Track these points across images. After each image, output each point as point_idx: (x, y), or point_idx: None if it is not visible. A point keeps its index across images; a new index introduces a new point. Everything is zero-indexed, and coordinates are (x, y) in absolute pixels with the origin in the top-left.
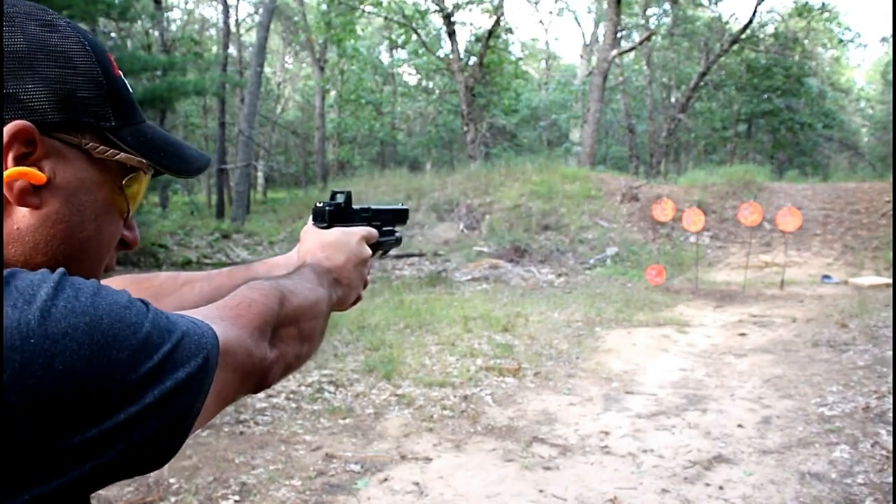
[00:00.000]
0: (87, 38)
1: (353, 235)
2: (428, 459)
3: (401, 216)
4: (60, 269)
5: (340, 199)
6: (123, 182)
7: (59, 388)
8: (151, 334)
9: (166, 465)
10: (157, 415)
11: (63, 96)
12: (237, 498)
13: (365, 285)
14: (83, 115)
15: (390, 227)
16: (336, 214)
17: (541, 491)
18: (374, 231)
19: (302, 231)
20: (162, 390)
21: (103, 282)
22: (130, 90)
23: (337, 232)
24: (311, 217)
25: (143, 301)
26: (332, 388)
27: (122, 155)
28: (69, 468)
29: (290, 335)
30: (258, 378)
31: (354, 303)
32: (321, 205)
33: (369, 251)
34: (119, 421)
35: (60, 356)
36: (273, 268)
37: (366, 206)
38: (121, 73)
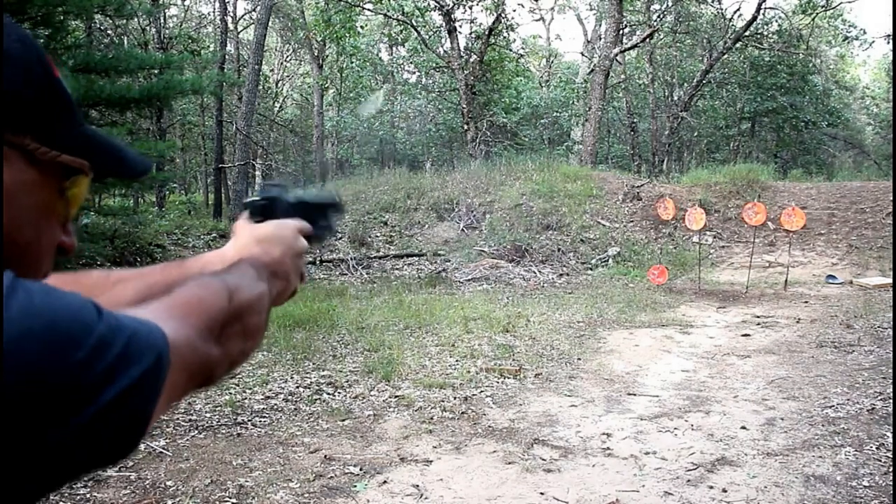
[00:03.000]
0: (26, 36)
1: (288, 228)
2: (428, 462)
3: (335, 207)
4: (9, 272)
5: (274, 192)
6: (65, 184)
7: (17, 393)
8: (105, 334)
9: (163, 468)
10: (114, 414)
11: (1, 95)
12: (234, 501)
13: (302, 278)
14: (24, 115)
15: (325, 219)
16: (269, 208)
17: (542, 493)
18: (307, 224)
19: (235, 225)
20: (118, 389)
21: None
22: (69, 90)
23: (272, 225)
24: (244, 211)
25: (91, 300)
26: (330, 390)
27: (65, 157)
28: (28, 476)
29: (234, 332)
30: (204, 376)
31: (291, 296)
32: (254, 198)
33: (305, 243)
34: (77, 423)
35: (17, 360)
36: (207, 264)
37: (300, 199)
38: (59, 74)
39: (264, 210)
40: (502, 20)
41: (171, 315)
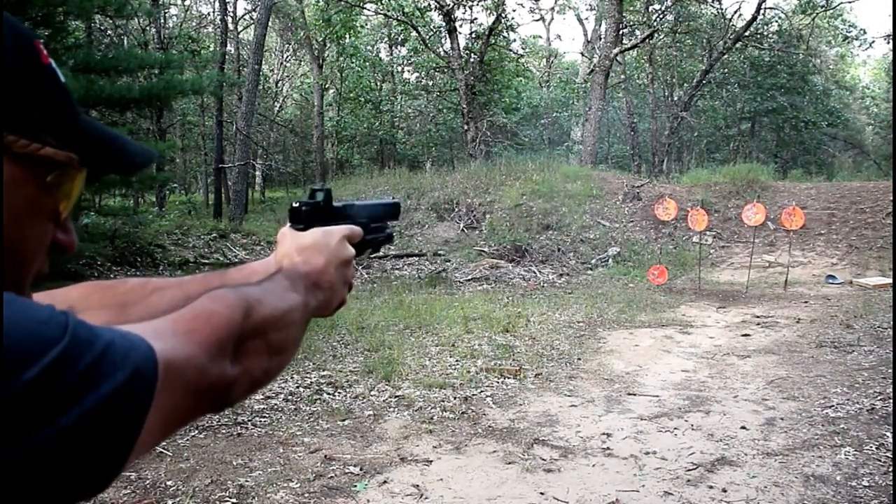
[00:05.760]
0: (7, 21)
1: (333, 236)
2: (428, 461)
3: (390, 211)
4: None
5: (319, 197)
6: (49, 179)
7: None
8: (68, 350)
9: (163, 468)
10: (80, 437)
11: None
12: (235, 501)
13: (350, 288)
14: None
15: (379, 224)
16: (314, 214)
17: (542, 493)
18: (357, 229)
19: (278, 233)
20: (82, 409)
21: (66, 290)
22: (63, 79)
23: (315, 233)
24: (288, 218)
25: (64, 313)
26: (330, 390)
27: (47, 149)
28: None
29: (256, 349)
30: (216, 397)
31: (338, 306)
32: (297, 205)
33: (352, 251)
34: (33, 447)
35: None
36: (250, 274)
37: (350, 203)
38: (51, 61)
39: (308, 216)
40: (502, 20)
41: (174, 331)
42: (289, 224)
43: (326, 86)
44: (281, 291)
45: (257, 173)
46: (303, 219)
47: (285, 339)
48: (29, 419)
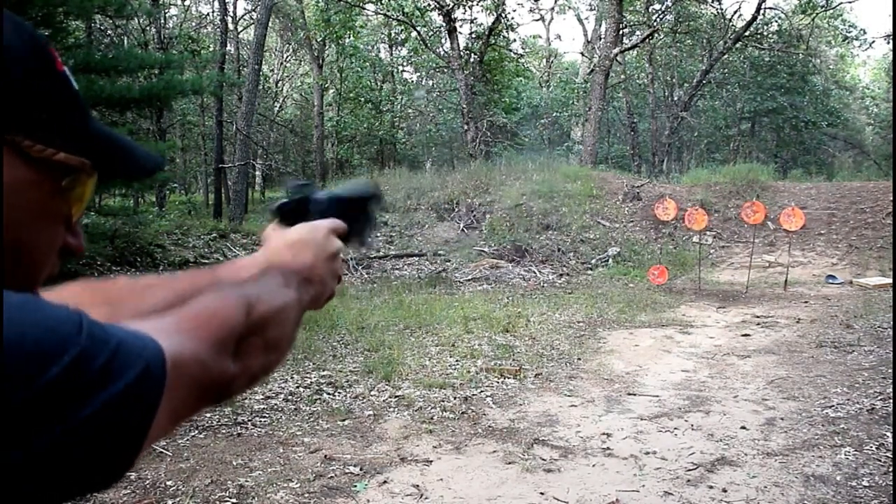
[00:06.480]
0: (25, 28)
1: (319, 230)
2: (428, 462)
3: (372, 200)
4: None
5: (302, 192)
6: (63, 184)
7: None
8: (86, 347)
9: (163, 468)
10: (95, 431)
11: None
12: (235, 501)
13: (339, 280)
14: (18, 111)
15: (362, 214)
16: (298, 210)
17: (542, 493)
18: (340, 222)
19: (265, 232)
20: (97, 404)
21: (57, 290)
22: (76, 86)
23: (301, 228)
24: (272, 216)
25: (78, 312)
26: (330, 390)
27: (62, 155)
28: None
29: (254, 346)
30: (217, 393)
31: (328, 299)
32: (281, 201)
33: (339, 244)
34: (51, 442)
35: None
36: (239, 270)
37: (331, 195)
38: (65, 68)
39: (293, 213)
40: (502, 20)
41: (178, 329)
42: (274, 222)
43: (326, 86)
44: (276, 289)
45: (257, 173)
46: (285, 216)
47: (281, 335)
48: (46, 418)
